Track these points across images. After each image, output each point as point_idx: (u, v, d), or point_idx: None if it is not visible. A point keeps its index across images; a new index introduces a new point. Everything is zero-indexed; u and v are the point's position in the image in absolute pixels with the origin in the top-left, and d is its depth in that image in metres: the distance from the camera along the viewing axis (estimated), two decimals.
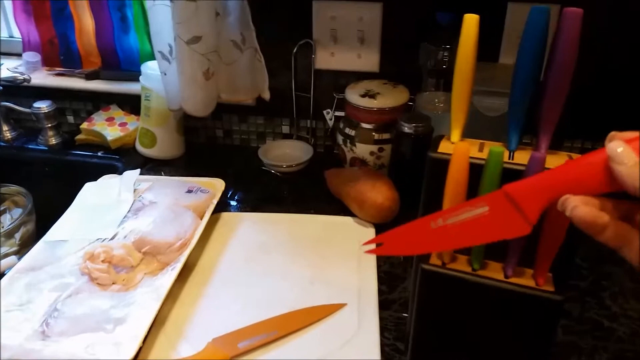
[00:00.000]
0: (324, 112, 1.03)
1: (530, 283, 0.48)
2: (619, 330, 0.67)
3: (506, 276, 0.48)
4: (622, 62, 0.92)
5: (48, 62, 1.17)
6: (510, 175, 0.45)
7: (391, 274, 0.77)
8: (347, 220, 0.87)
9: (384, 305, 0.71)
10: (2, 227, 0.90)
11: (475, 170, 0.45)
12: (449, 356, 0.52)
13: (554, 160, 0.48)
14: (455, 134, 0.50)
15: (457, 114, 0.50)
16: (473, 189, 0.45)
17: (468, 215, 0.40)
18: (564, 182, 0.37)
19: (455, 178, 0.45)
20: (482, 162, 0.45)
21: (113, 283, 0.69)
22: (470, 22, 0.45)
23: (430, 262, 0.50)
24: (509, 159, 0.49)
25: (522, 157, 0.49)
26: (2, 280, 0.69)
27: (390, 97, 0.91)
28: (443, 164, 0.47)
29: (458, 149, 0.44)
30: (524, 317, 0.48)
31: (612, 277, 0.76)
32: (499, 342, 0.50)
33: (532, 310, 0.47)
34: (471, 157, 0.45)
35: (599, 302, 0.72)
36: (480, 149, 0.50)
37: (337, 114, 1.01)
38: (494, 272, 0.49)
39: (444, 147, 0.50)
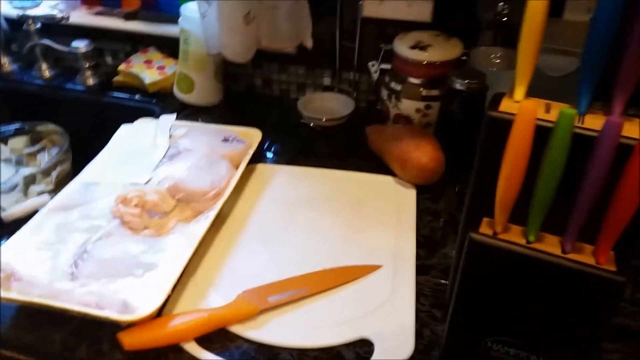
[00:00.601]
0: (369, 64, 0.97)
1: (591, 261, 0.43)
2: None
3: (564, 251, 0.44)
4: None
5: (87, 0, 1.14)
6: (580, 141, 0.40)
7: (431, 239, 0.73)
8: (388, 179, 0.84)
9: (422, 270, 0.68)
10: (40, 165, 0.90)
11: (540, 135, 0.40)
12: (492, 331, 0.49)
13: (629, 128, 0.43)
14: (520, 92, 0.45)
15: (522, 70, 0.44)
16: (535, 156, 0.41)
17: None
18: None
19: (519, 141, 0.40)
20: (550, 124, 0.40)
21: (145, 228, 0.68)
22: None
23: (480, 231, 0.46)
24: (579, 123, 0.44)
25: (593, 122, 0.44)
26: (34, 218, 0.69)
27: (442, 50, 0.85)
28: (504, 125, 0.43)
29: (524, 108, 0.39)
30: (581, 297, 0.44)
31: None
32: (549, 322, 0.46)
33: (591, 290, 0.43)
34: (537, 119, 0.40)
35: None
36: (547, 111, 0.45)
37: (382, 66, 0.95)
38: (551, 246, 0.44)
39: (505, 106, 0.45)
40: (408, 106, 0.88)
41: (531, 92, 0.47)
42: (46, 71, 1.10)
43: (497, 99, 0.46)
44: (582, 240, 0.45)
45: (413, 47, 0.85)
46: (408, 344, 0.58)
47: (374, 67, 0.96)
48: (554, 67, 0.72)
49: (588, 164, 0.39)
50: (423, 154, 0.79)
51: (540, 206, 0.42)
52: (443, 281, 0.66)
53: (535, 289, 0.45)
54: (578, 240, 0.45)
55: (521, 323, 0.48)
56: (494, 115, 0.44)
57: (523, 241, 0.45)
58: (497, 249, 0.44)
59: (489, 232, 0.46)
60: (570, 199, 0.42)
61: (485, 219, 0.47)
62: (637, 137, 0.39)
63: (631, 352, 0.58)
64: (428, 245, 0.72)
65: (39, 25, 1.06)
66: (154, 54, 1.09)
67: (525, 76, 0.44)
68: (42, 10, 1.10)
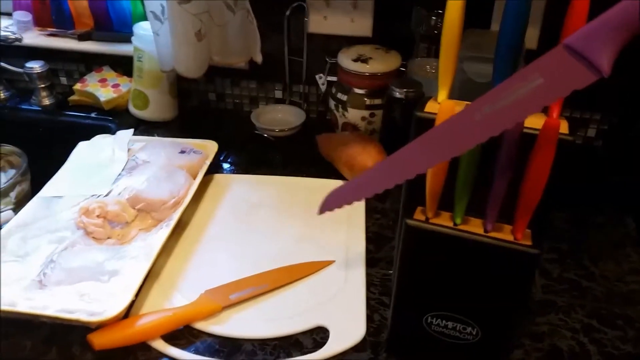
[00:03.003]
0: (317, 76, 1.04)
1: (509, 238, 0.50)
2: (595, 290, 0.70)
3: (486, 231, 0.51)
4: None
5: (39, 22, 1.16)
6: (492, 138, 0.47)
7: (379, 235, 0.79)
8: (338, 183, 0.89)
9: (371, 262, 0.74)
10: None
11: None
12: (431, 308, 0.55)
13: (534, 120, 0.50)
14: (442, 94, 0.51)
15: (444, 75, 0.51)
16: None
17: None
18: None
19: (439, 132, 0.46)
20: None
21: (108, 237, 0.71)
22: None
23: (414, 217, 0.52)
24: None
25: None
26: None
27: (382, 62, 0.92)
28: (429, 123, 0.49)
29: (443, 107, 0.46)
30: (503, 270, 0.50)
31: (591, 240, 0.79)
32: (479, 295, 0.53)
33: (510, 263, 0.50)
34: None
35: (578, 263, 0.75)
36: None
37: (329, 79, 1.02)
38: (475, 227, 0.51)
39: (430, 107, 0.52)
40: (354, 115, 0.95)
41: (460, 96, 0.54)
42: (0, 92, 1.11)
43: (424, 101, 0.53)
44: (504, 222, 0.52)
45: (355, 60, 0.92)
46: (360, 328, 0.63)
47: (321, 80, 1.03)
48: (481, 74, 0.80)
49: (498, 153, 0.46)
50: (369, 157, 0.85)
51: (462, 192, 0.49)
52: (390, 272, 0.72)
53: (464, 266, 0.52)
54: (499, 222, 0.52)
55: (455, 298, 0.54)
56: (421, 115, 0.51)
57: (451, 224, 0.51)
58: (429, 232, 0.51)
59: (422, 218, 0.52)
60: (489, 185, 0.49)
61: (419, 208, 0.53)
62: (540, 127, 0.45)
63: (557, 324, 0.66)
64: (376, 241, 0.78)
65: None
66: (109, 73, 1.12)
67: (446, 81, 0.51)
68: None
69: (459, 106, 0.51)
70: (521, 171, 0.47)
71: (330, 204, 0.46)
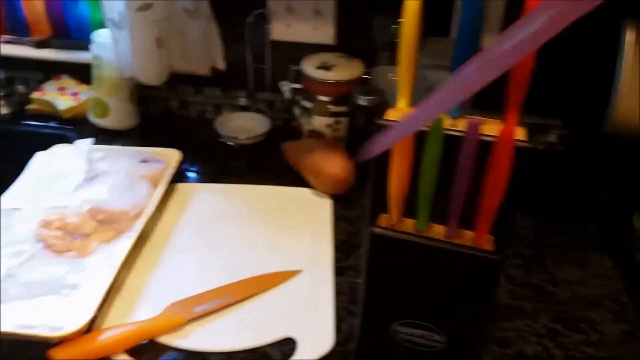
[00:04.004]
0: (280, 84, 1.03)
1: (471, 244, 0.51)
2: (560, 294, 0.72)
3: (448, 237, 0.51)
4: None
5: None
6: (452, 142, 0.47)
7: (346, 243, 0.79)
8: (304, 191, 0.89)
9: (339, 271, 0.74)
10: None
11: (421, 138, 0.47)
12: (398, 315, 0.55)
13: (491, 128, 0.51)
14: (402, 102, 0.52)
15: (403, 82, 0.52)
16: (419, 157, 0.48)
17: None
18: None
19: (401, 142, 0.47)
20: (427, 128, 0.47)
21: (68, 250, 0.69)
22: None
23: (379, 225, 0.52)
24: (453, 126, 0.51)
25: (463, 126, 0.51)
26: None
27: (345, 70, 0.92)
28: None
29: (403, 112, 0.46)
30: (467, 276, 0.51)
31: (555, 246, 0.80)
32: (445, 302, 0.53)
33: (473, 269, 0.51)
34: None
35: (542, 268, 0.76)
36: None
37: (294, 86, 1.01)
38: (438, 234, 0.52)
39: (390, 114, 0.52)
40: (319, 122, 0.95)
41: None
42: None
43: (384, 109, 0.53)
44: (467, 229, 0.53)
45: (319, 68, 0.92)
46: (328, 339, 0.63)
47: (286, 87, 1.02)
48: (441, 81, 0.81)
49: (458, 159, 0.47)
50: (335, 165, 0.86)
51: (424, 199, 0.50)
52: (359, 280, 0.72)
53: (428, 272, 0.52)
54: (463, 229, 0.52)
55: (421, 305, 0.54)
56: (382, 123, 0.51)
57: (414, 231, 0.52)
58: (393, 239, 0.51)
59: (386, 225, 0.52)
60: (450, 192, 0.50)
61: (383, 215, 0.54)
62: (497, 135, 0.46)
63: (523, 329, 0.67)
64: (344, 249, 0.78)
65: None
66: (67, 81, 1.09)
67: (405, 88, 0.52)
68: None
69: None
70: (481, 178, 0.48)
71: (379, 146, 0.46)
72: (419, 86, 0.54)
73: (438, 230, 0.52)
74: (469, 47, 0.48)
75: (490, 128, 0.48)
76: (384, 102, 0.85)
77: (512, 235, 0.79)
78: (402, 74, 0.50)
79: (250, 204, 0.86)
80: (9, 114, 1.07)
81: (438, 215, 0.52)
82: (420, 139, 0.47)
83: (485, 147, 0.47)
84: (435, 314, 0.55)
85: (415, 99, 0.54)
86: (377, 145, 0.47)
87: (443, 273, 0.52)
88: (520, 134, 0.50)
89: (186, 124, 1.11)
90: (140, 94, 1.05)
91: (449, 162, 0.48)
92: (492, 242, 0.52)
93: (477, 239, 0.51)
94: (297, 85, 0.99)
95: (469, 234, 0.52)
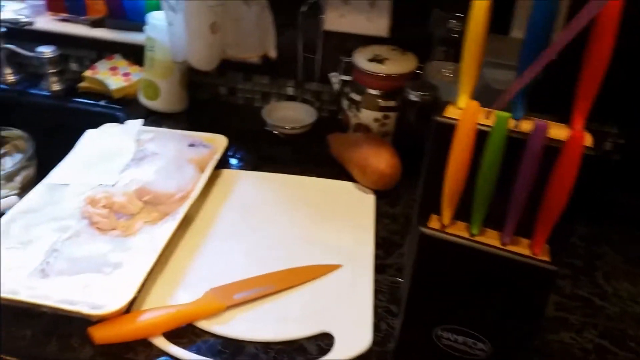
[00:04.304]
0: (330, 75, 1.02)
1: (527, 252, 0.49)
2: (608, 309, 0.69)
3: (503, 244, 0.49)
4: None
5: (52, 7, 1.15)
6: (515, 144, 0.45)
7: (388, 240, 0.77)
8: (348, 185, 0.88)
9: (380, 269, 0.72)
10: (3, 170, 0.90)
11: (481, 139, 0.45)
12: (442, 320, 0.54)
13: (557, 131, 0.48)
14: (463, 99, 0.50)
15: (466, 80, 0.49)
16: (477, 159, 0.46)
17: None
18: None
19: (462, 139, 0.45)
20: (489, 129, 0.45)
21: (113, 229, 0.70)
22: None
23: (429, 225, 0.50)
24: (515, 127, 0.49)
25: (527, 127, 0.49)
26: (2, 219, 0.69)
27: (398, 64, 0.90)
28: (448, 129, 0.48)
29: (467, 109, 0.44)
30: (518, 285, 0.49)
31: (605, 258, 0.77)
32: (492, 310, 0.51)
33: (527, 279, 0.48)
34: (478, 123, 0.45)
35: (591, 280, 0.73)
36: (487, 117, 0.50)
37: (343, 78, 1.00)
38: (492, 239, 0.49)
39: (450, 112, 0.50)
40: (367, 116, 0.93)
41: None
42: (10, 76, 1.09)
43: (443, 106, 0.51)
44: (523, 236, 0.50)
45: (371, 60, 0.90)
46: (366, 337, 0.62)
47: (335, 79, 1.01)
48: (499, 80, 0.78)
49: (521, 164, 0.44)
50: (381, 160, 0.84)
51: (481, 202, 0.47)
52: (400, 279, 0.71)
53: (478, 278, 0.50)
54: (518, 236, 0.50)
55: (467, 311, 0.52)
56: (440, 120, 0.49)
57: (467, 235, 0.50)
58: (444, 241, 0.49)
59: (437, 226, 0.50)
60: (508, 196, 0.48)
61: (434, 216, 0.52)
62: (564, 139, 0.44)
63: (568, 342, 0.64)
64: (386, 246, 0.76)
65: (3, 29, 1.06)
66: (120, 61, 1.11)
67: (468, 85, 0.49)
68: (6, 14, 1.10)
69: (482, 113, 0.50)
70: (543, 184, 0.46)
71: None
72: (477, 83, 0.52)
73: (491, 236, 0.50)
74: (538, 47, 0.45)
75: (557, 132, 0.45)
76: (436, 99, 0.83)
77: (569, 245, 0.76)
78: (466, 71, 0.48)
79: (293, 194, 0.85)
80: (61, 90, 1.09)
81: (492, 219, 0.50)
82: (480, 138, 0.45)
83: (549, 152, 0.44)
84: (481, 321, 0.53)
85: (472, 97, 0.52)
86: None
87: (494, 280, 0.49)
88: (587, 140, 0.47)
89: (233, 110, 1.11)
90: (191, 79, 1.06)
91: (509, 165, 0.46)
92: (549, 252, 0.49)
93: (534, 247, 0.48)
94: (346, 77, 0.97)
95: (524, 241, 0.50)
